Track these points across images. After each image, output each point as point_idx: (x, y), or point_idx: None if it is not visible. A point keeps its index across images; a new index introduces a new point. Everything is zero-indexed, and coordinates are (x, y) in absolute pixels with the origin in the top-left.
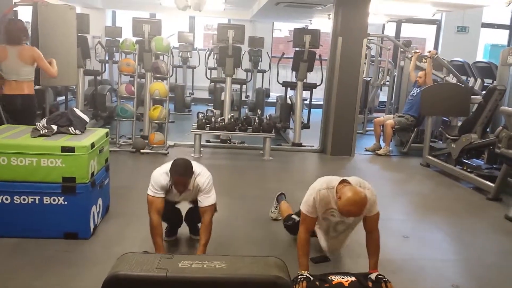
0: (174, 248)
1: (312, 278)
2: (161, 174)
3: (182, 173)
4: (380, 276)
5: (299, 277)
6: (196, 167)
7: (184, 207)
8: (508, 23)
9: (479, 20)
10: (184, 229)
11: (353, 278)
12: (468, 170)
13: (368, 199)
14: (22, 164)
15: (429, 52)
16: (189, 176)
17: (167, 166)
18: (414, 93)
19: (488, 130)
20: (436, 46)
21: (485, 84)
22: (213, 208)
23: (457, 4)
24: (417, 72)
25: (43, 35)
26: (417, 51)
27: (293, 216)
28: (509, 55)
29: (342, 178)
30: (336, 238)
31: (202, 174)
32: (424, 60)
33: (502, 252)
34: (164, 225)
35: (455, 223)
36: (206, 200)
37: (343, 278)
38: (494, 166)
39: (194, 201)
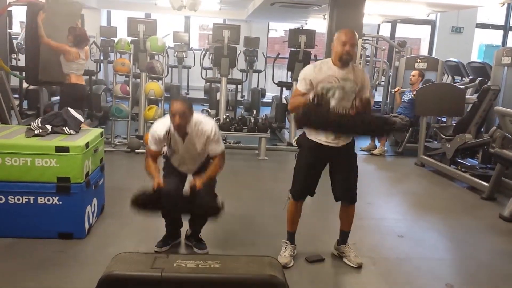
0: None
1: None
2: (159, 124)
3: (181, 102)
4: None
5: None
6: (199, 115)
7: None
8: (502, 23)
9: (473, 21)
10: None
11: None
12: (463, 169)
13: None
14: (17, 164)
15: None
16: (188, 109)
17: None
18: (405, 99)
19: (482, 130)
20: (431, 46)
21: None
22: (224, 155)
23: (451, 4)
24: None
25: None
26: (396, 89)
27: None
28: (503, 56)
29: None
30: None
31: (206, 123)
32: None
33: (496, 251)
34: (160, 231)
35: (450, 223)
36: (216, 148)
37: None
38: (488, 165)
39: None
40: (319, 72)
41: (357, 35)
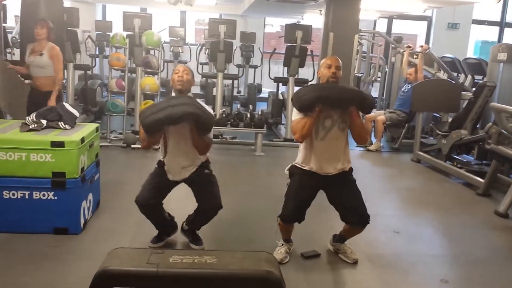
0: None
1: None
2: None
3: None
4: None
5: None
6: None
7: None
8: (498, 19)
9: (469, 17)
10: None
11: None
12: (458, 165)
13: None
14: (12, 159)
15: (421, 46)
16: (192, 73)
17: None
18: (405, 89)
19: (478, 126)
20: (427, 43)
21: (475, 80)
22: (211, 145)
23: (448, 0)
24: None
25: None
26: (410, 45)
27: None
28: (499, 52)
29: None
30: (326, 142)
31: (204, 104)
32: (415, 56)
33: (491, 247)
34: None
35: (445, 219)
36: (209, 134)
37: None
38: (483, 162)
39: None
40: None
41: (340, 61)
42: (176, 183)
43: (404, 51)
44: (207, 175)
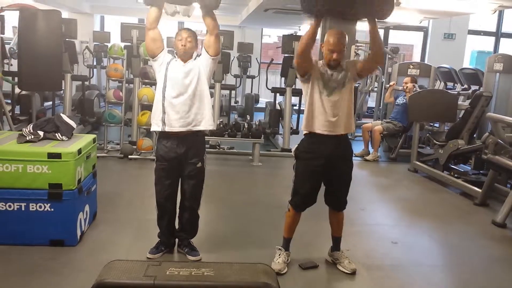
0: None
1: None
2: None
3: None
4: None
5: None
6: None
7: None
8: (494, 30)
9: (465, 27)
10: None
11: None
12: (455, 175)
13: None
14: (8, 170)
15: (406, 86)
16: (195, 40)
17: None
18: (398, 102)
19: (475, 136)
20: (423, 53)
21: (471, 90)
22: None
23: (444, 11)
24: (400, 81)
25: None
26: (392, 83)
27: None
28: (495, 62)
29: None
30: (330, 101)
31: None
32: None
33: (489, 257)
34: (152, 238)
35: (443, 229)
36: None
37: None
38: (481, 171)
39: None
40: (316, 64)
41: (346, 36)
42: (180, 159)
43: (389, 86)
44: (199, 171)
